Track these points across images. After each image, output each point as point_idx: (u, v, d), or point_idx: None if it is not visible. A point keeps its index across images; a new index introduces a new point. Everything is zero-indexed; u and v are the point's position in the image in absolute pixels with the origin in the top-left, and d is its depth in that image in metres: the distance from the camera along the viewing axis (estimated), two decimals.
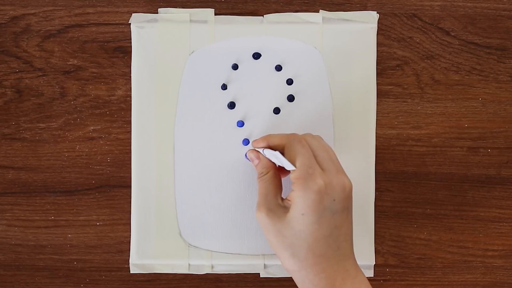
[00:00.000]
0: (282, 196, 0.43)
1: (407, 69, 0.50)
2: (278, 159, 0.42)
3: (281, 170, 0.45)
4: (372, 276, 0.50)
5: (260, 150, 0.45)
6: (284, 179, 0.45)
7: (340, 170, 0.42)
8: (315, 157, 0.41)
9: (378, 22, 0.50)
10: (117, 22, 0.50)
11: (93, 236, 0.50)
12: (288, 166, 0.40)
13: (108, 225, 0.50)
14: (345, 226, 0.41)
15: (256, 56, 0.49)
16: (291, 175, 0.41)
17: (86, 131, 0.50)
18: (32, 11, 0.50)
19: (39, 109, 0.50)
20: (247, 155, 0.47)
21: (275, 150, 0.43)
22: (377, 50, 0.50)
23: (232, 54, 0.49)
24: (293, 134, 0.44)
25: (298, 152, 0.41)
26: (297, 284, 0.41)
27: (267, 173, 0.44)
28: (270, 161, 0.44)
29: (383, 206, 0.51)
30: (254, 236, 0.49)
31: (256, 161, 0.45)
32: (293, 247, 0.40)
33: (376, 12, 0.49)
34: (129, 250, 0.49)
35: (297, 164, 0.40)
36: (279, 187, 0.43)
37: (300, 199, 0.40)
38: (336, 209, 0.40)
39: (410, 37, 0.50)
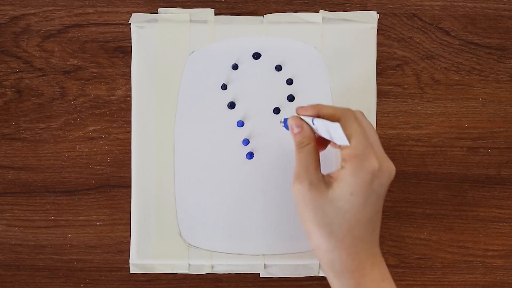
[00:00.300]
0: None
1: (407, 69, 0.50)
2: (333, 132, 0.39)
3: (319, 143, 0.43)
4: None
5: (307, 118, 0.42)
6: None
7: (385, 154, 0.40)
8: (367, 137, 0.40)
9: (378, 22, 0.50)
10: (117, 22, 0.50)
11: (93, 236, 0.50)
12: (344, 141, 0.38)
13: (108, 225, 0.50)
14: (380, 213, 0.40)
15: (256, 56, 0.49)
16: (343, 152, 0.39)
17: (86, 131, 0.50)
18: (32, 11, 0.50)
19: (39, 109, 0.50)
20: (287, 121, 0.43)
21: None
22: (377, 50, 0.50)
23: (232, 54, 0.49)
24: (348, 109, 0.41)
25: (355, 129, 0.39)
26: (322, 263, 0.40)
27: (308, 144, 0.41)
28: (312, 131, 0.42)
29: (383, 206, 0.50)
30: (254, 236, 0.49)
31: (297, 130, 0.42)
32: (332, 225, 0.38)
33: (376, 12, 0.50)
34: (129, 250, 0.49)
35: (353, 142, 0.39)
36: (318, 160, 0.41)
37: (352, 178, 0.38)
38: (380, 194, 0.39)
39: (410, 37, 0.50)
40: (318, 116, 0.41)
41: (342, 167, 0.39)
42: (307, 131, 0.42)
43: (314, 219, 0.39)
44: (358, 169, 0.38)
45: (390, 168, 0.40)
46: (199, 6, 0.50)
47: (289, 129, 0.43)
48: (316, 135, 0.42)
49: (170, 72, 0.49)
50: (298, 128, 0.42)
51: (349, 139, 0.39)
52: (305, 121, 0.42)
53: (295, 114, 0.43)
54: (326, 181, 0.39)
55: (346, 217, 0.38)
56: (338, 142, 0.39)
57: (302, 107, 0.43)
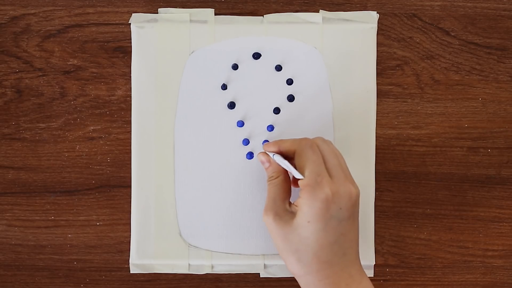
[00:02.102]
0: (291, 200, 0.43)
1: (407, 69, 0.50)
2: (287, 167, 0.43)
3: (293, 179, 0.45)
4: (372, 276, 0.50)
5: (271, 154, 0.45)
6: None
7: (348, 177, 0.42)
8: (324, 162, 0.42)
9: (378, 22, 0.50)
10: (117, 22, 0.50)
11: (93, 236, 0.50)
12: (296, 174, 0.41)
13: (108, 225, 0.50)
14: (351, 233, 0.41)
15: (256, 56, 0.49)
16: (299, 182, 0.41)
17: (86, 131, 0.50)
18: (32, 11, 0.50)
19: (39, 109, 0.50)
20: (257, 157, 0.46)
21: (285, 156, 0.44)
22: (377, 50, 0.50)
23: (232, 54, 0.49)
24: (305, 139, 0.43)
25: (309, 159, 0.41)
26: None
27: (277, 177, 0.44)
28: (278, 165, 0.44)
29: (383, 206, 0.51)
30: (254, 236, 0.49)
31: (267, 164, 0.45)
32: (298, 252, 0.40)
33: (376, 12, 0.49)
34: (129, 250, 0.49)
35: (306, 172, 0.41)
36: (287, 192, 0.43)
37: (306, 207, 0.40)
38: (342, 217, 0.40)
39: (410, 37, 0.50)
40: (280, 151, 0.45)
41: (299, 196, 0.41)
42: (275, 165, 0.44)
43: (283, 247, 0.41)
44: (311, 198, 0.40)
45: (348, 191, 0.41)
46: (199, 6, 0.50)
47: (261, 163, 0.46)
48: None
49: (170, 72, 0.49)
50: (267, 163, 0.45)
51: (303, 168, 0.41)
52: (271, 156, 0.45)
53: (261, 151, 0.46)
54: (292, 211, 0.42)
55: (308, 243, 0.40)
56: (295, 176, 0.42)
57: (267, 143, 0.46)
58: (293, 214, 0.41)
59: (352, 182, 0.42)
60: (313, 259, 0.40)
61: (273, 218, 0.41)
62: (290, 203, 0.43)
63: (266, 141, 0.49)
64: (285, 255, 0.41)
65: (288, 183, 0.44)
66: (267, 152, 0.46)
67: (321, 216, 0.40)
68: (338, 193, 0.40)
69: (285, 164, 0.43)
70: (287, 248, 0.41)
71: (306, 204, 0.40)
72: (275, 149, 0.45)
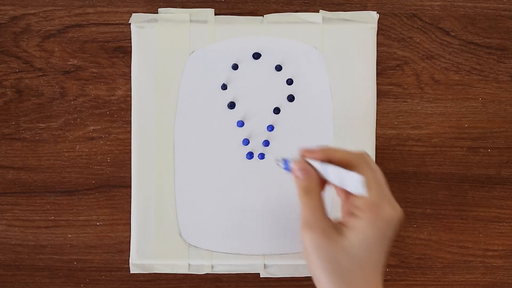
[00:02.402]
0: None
1: (407, 69, 0.50)
2: (349, 180, 0.38)
3: (322, 185, 0.41)
4: None
5: (314, 161, 0.40)
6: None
7: (393, 198, 0.40)
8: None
9: (378, 22, 0.50)
10: (117, 22, 0.50)
11: (93, 236, 0.50)
12: (361, 190, 0.37)
13: (108, 225, 0.50)
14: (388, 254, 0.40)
15: (256, 56, 0.49)
16: (357, 200, 0.38)
17: (86, 131, 0.50)
18: (32, 11, 0.50)
19: (39, 109, 0.50)
20: (290, 164, 0.40)
21: (336, 166, 0.39)
22: (377, 50, 0.50)
23: (232, 54, 0.49)
24: (361, 153, 0.40)
25: (369, 177, 0.38)
26: None
27: (315, 188, 0.39)
28: (319, 175, 0.40)
29: None
30: (254, 236, 0.49)
31: (303, 175, 0.39)
32: (347, 275, 0.37)
33: (376, 12, 0.49)
34: (129, 250, 0.49)
35: (368, 190, 0.38)
36: (324, 204, 0.39)
37: (369, 227, 0.37)
38: (392, 238, 0.38)
39: (410, 37, 0.50)
40: (329, 161, 0.40)
41: (356, 215, 0.38)
42: (314, 176, 0.39)
43: (326, 268, 0.37)
44: (375, 219, 0.37)
45: (400, 213, 0.39)
46: (199, 6, 0.50)
47: (292, 172, 0.40)
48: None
49: (170, 72, 0.49)
50: (303, 172, 0.40)
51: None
52: (310, 164, 0.40)
53: (298, 157, 0.41)
54: (337, 228, 0.38)
55: (362, 265, 0.37)
56: (353, 191, 0.38)
57: (309, 150, 0.41)
58: (340, 232, 0.38)
59: (397, 204, 0.40)
60: (362, 281, 0.37)
61: (321, 235, 0.37)
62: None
63: (266, 141, 0.49)
64: (325, 276, 0.37)
65: (321, 194, 0.40)
66: (309, 160, 0.40)
67: (382, 238, 0.38)
68: (396, 214, 0.38)
69: (351, 177, 0.38)
70: (332, 269, 0.37)
71: (368, 224, 0.37)
72: (323, 157, 0.40)
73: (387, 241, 0.38)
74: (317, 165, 0.40)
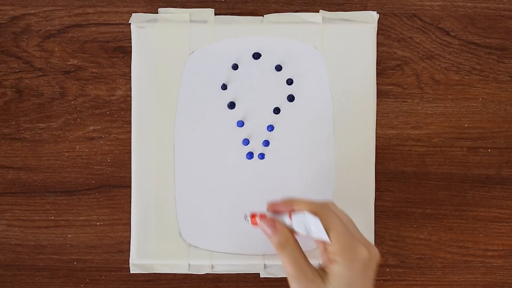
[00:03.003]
0: None
1: (407, 69, 0.50)
2: (313, 226, 0.39)
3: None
4: None
5: (283, 216, 0.41)
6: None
7: (366, 239, 0.41)
8: None
9: (378, 22, 0.50)
10: (117, 22, 0.50)
11: (93, 236, 0.50)
12: (323, 236, 0.39)
13: (108, 225, 0.50)
14: None
15: (256, 56, 0.49)
16: (331, 247, 0.39)
17: (86, 131, 0.50)
18: (32, 11, 0.50)
19: (39, 109, 0.50)
20: (260, 224, 0.41)
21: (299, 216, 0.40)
22: (377, 50, 0.50)
23: (232, 54, 0.49)
24: (324, 203, 0.41)
25: (335, 223, 0.39)
26: None
27: (286, 241, 0.40)
28: (288, 228, 0.41)
29: (383, 206, 0.51)
30: (254, 236, 0.49)
31: (271, 231, 0.41)
32: None
33: (376, 12, 0.49)
34: (129, 250, 0.49)
35: (337, 235, 0.39)
36: (303, 252, 0.41)
37: (347, 270, 0.39)
38: (373, 278, 0.40)
39: (410, 37, 0.50)
40: (292, 211, 0.41)
41: (333, 261, 0.39)
42: (283, 230, 0.41)
43: None
44: (351, 261, 0.39)
45: (376, 252, 0.40)
46: (199, 6, 0.50)
47: (261, 229, 0.41)
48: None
49: (170, 72, 0.49)
50: (271, 228, 0.41)
51: (329, 233, 0.39)
52: (277, 220, 0.41)
53: (263, 212, 0.42)
54: (320, 274, 0.40)
55: None
56: (317, 237, 0.39)
57: (274, 203, 0.42)
58: (324, 278, 0.39)
59: (371, 243, 0.41)
60: None
61: (306, 284, 0.39)
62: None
63: (266, 141, 0.49)
64: None
65: (298, 244, 0.41)
66: (271, 215, 0.42)
67: (361, 278, 0.39)
68: (371, 254, 0.39)
69: (313, 222, 0.39)
70: None
71: (345, 267, 0.39)
72: (287, 208, 0.41)
73: (368, 280, 0.40)
74: (284, 217, 0.41)
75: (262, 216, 0.42)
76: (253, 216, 0.42)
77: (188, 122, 0.49)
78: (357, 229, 0.41)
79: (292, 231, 0.41)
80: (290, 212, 0.41)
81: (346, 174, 0.49)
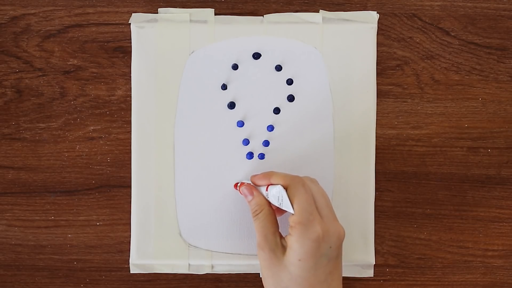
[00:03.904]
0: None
1: (407, 69, 0.50)
2: (282, 200, 0.42)
3: (277, 208, 0.44)
4: (372, 276, 0.50)
5: (262, 188, 0.44)
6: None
7: (335, 217, 0.42)
8: (314, 202, 0.42)
9: (378, 22, 0.50)
10: (117, 22, 0.50)
11: (93, 236, 0.50)
12: (290, 209, 0.41)
13: (108, 225, 0.50)
14: (337, 272, 0.42)
15: (256, 56, 0.49)
16: (290, 218, 0.41)
17: (86, 131, 0.50)
18: (32, 11, 0.50)
19: (39, 109, 0.50)
20: (240, 189, 0.46)
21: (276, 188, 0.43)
22: (377, 50, 0.50)
23: (232, 54, 0.49)
24: (296, 177, 0.43)
25: (301, 197, 0.41)
26: None
27: (261, 211, 0.43)
28: (264, 198, 0.44)
29: (383, 206, 0.51)
30: (254, 236, 0.49)
31: (250, 197, 0.44)
32: None
33: (376, 12, 0.49)
34: (129, 250, 0.49)
35: (298, 209, 0.41)
36: (275, 224, 0.43)
37: (297, 245, 0.40)
38: (331, 256, 0.41)
39: (410, 37, 0.50)
40: (269, 184, 0.43)
41: (289, 233, 0.41)
42: (259, 199, 0.44)
43: (272, 284, 0.41)
44: (302, 236, 0.40)
45: (337, 231, 0.41)
46: (199, 6, 0.50)
47: (243, 196, 0.45)
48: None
49: (170, 72, 0.49)
50: (250, 195, 0.44)
51: (293, 205, 0.41)
52: (256, 189, 0.45)
53: (249, 182, 0.46)
54: (283, 245, 0.42)
55: (298, 281, 0.40)
56: (285, 209, 0.41)
57: (256, 175, 0.45)
58: (284, 249, 0.41)
59: (338, 222, 0.42)
60: None
61: (268, 254, 0.41)
62: (280, 236, 0.43)
63: (266, 141, 0.49)
64: None
65: (273, 214, 0.43)
66: (255, 185, 0.45)
67: (312, 255, 0.40)
68: (328, 232, 0.40)
69: (281, 197, 0.42)
70: (276, 285, 0.41)
71: (297, 242, 0.40)
72: (265, 182, 0.44)
73: (324, 257, 0.40)
74: (262, 188, 0.44)
75: (248, 185, 0.45)
76: (241, 184, 0.46)
77: (188, 122, 0.49)
78: (330, 208, 0.42)
79: (269, 203, 0.44)
80: (268, 185, 0.44)
81: (346, 174, 0.49)
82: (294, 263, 0.40)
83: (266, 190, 0.44)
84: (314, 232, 0.40)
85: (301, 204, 0.41)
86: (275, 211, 0.44)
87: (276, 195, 0.42)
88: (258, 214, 0.43)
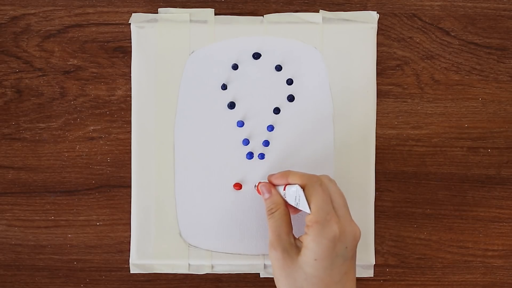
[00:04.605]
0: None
1: (407, 69, 0.50)
2: (299, 200, 0.41)
3: (291, 207, 0.44)
4: (372, 276, 0.50)
5: (281, 188, 0.44)
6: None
7: (351, 218, 0.42)
8: (331, 201, 0.41)
9: (378, 22, 0.50)
10: (117, 22, 0.50)
11: (93, 236, 0.50)
12: (307, 209, 0.41)
13: (108, 225, 0.50)
14: (352, 272, 0.41)
15: (256, 56, 0.49)
16: (307, 217, 0.41)
17: (86, 131, 0.50)
18: (32, 11, 0.50)
19: (39, 109, 0.50)
20: (259, 187, 0.46)
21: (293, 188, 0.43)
22: (377, 50, 0.50)
23: (232, 54, 0.49)
24: (314, 176, 0.43)
25: (318, 196, 0.41)
26: None
27: (277, 210, 0.43)
28: (281, 197, 0.44)
29: (383, 206, 0.51)
30: (254, 236, 0.49)
31: (267, 195, 0.44)
32: None
33: (376, 12, 0.49)
34: (129, 250, 0.49)
35: (315, 208, 0.40)
36: (290, 224, 0.43)
37: (314, 244, 0.40)
38: (347, 256, 0.41)
39: (410, 37, 0.50)
40: (287, 184, 0.43)
41: (306, 233, 0.40)
42: (276, 197, 0.44)
43: (286, 284, 0.41)
44: (319, 236, 0.40)
45: (353, 231, 0.41)
46: (199, 6, 0.50)
47: (261, 194, 0.45)
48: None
49: (170, 72, 0.49)
50: (267, 193, 0.44)
51: (310, 205, 0.41)
52: (275, 188, 0.45)
53: (266, 181, 0.46)
54: (297, 245, 0.41)
55: (314, 281, 0.40)
56: (302, 209, 0.41)
57: (273, 175, 0.45)
58: (298, 249, 0.41)
59: (355, 222, 0.42)
60: None
61: (281, 254, 0.41)
62: (294, 237, 0.42)
63: (266, 141, 0.49)
64: None
65: (288, 215, 0.43)
66: (273, 184, 0.45)
67: (328, 255, 0.40)
68: (345, 232, 0.40)
69: (299, 197, 0.41)
70: (289, 285, 0.40)
71: (314, 241, 0.40)
72: (283, 181, 0.44)
73: (340, 257, 0.40)
74: (280, 187, 0.44)
75: (266, 184, 0.45)
76: (259, 184, 0.46)
77: (188, 122, 0.49)
78: (347, 208, 0.42)
79: (286, 203, 0.43)
80: (286, 185, 0.43)
81: (346, 174, 0.49)
82: (310, 263, 0.40)
83: (284, 189, 0.43)
84: (331, 231, 0.40)
85: (318, 203, 0.40)
86: (289, 209, 0.44)
87: (293, 195, 0.42)
88: (273, 212, 0.43)
